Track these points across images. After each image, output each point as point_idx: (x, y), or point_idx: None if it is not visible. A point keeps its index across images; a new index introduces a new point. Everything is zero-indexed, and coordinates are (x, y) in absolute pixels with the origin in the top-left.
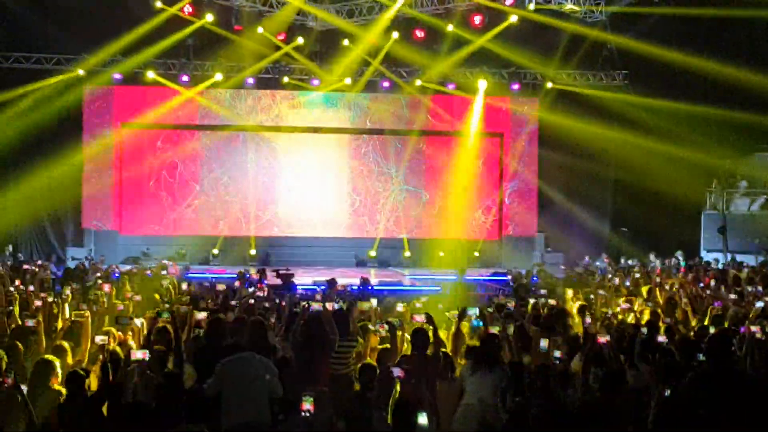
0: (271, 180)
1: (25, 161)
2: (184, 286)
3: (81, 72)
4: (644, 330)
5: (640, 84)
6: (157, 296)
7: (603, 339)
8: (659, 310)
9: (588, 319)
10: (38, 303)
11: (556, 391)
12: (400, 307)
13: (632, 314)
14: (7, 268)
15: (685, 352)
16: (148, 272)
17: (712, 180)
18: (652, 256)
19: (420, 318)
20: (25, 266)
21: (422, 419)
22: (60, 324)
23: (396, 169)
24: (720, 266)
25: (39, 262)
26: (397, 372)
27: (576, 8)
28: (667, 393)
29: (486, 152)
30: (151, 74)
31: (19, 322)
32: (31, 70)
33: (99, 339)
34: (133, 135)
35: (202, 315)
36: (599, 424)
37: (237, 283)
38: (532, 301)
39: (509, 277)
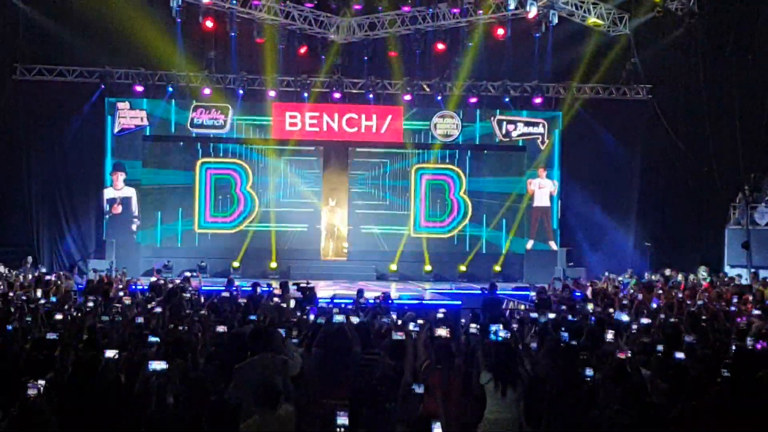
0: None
1: (47, 171)
2: (202, 299)
3: (103, 86)
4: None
5: (664, 98)
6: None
7: (623, 354)
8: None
9: (609, 335)
10: (59, 316)
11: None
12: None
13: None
14: (32, 279)
15: (708, 369)
16: (170, 285)
17: (737, 194)
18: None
19: (443, 332)
20: (48, 277)
21: (437, 431)
22: (86, 335)
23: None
24: (744, 282)
25: (61, 272)
26: (418, 389)
27: (599, 21)
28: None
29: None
30: (170, 89)
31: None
32: (53, 82)
33: (109, 353)
34: (158, 146)
35: (222, 328)
36: None
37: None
38: (552, 315)
39: (532, 293)
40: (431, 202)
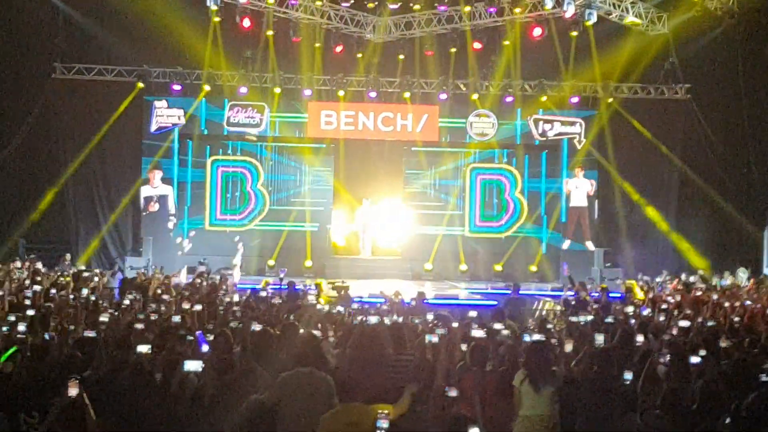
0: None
1: (84, 170)
2: (236, 297)
3: (141, 85)
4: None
5: (703, 97)
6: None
7: (661, 357)
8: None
9: (639, 338)
10: (104, 318)
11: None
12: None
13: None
14: (69, 276)
15: (745, 373)
16: (205, 282)
17: None
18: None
19: (479, 333)
20: (86, 274)
21: None
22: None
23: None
24: None
25: (98, 270)
26: (452, 392)
27: (637, 21)
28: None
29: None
30: (207, 87)
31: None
32: (92, 81)
33: (141, 348)
34: (191, 144)
35: (257, 327)
36: None
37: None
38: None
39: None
40: (486, 202)
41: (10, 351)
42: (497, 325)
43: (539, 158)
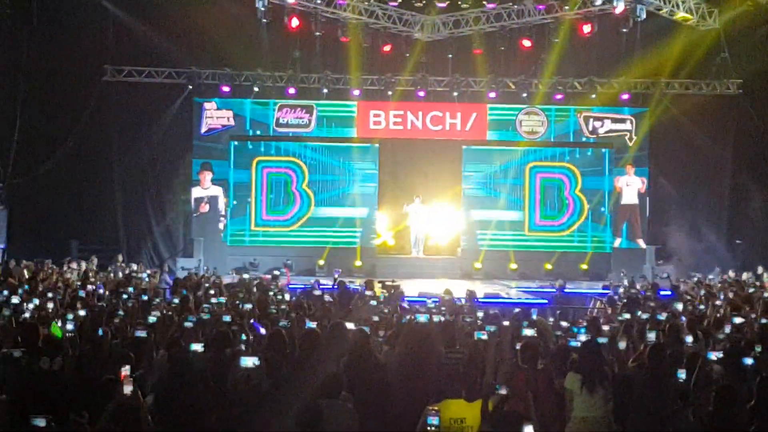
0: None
1: (135, 171)
2: (287, 296)
3: (190, 86)
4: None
5: (756, 93)
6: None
7: (713, 355)
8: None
9: (689, 337)
10: (153, 318)
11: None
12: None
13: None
14: (121, 276)
15: None
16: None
17: None
18: (760, 269)
19: (530, 332)
20: (137, 275)
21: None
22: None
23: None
24: None
25: (148, 271)
26: (503, 390)
27: (688, 16)
28: None
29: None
30: (256, 88)
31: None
32: (142, 84)
33: (196, 347)
34: (241, 145)
35: (312, 323)
36: None
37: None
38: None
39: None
40: (545, 201)
41: (56, 330)
42: (527, 331)
43: (594, 156)
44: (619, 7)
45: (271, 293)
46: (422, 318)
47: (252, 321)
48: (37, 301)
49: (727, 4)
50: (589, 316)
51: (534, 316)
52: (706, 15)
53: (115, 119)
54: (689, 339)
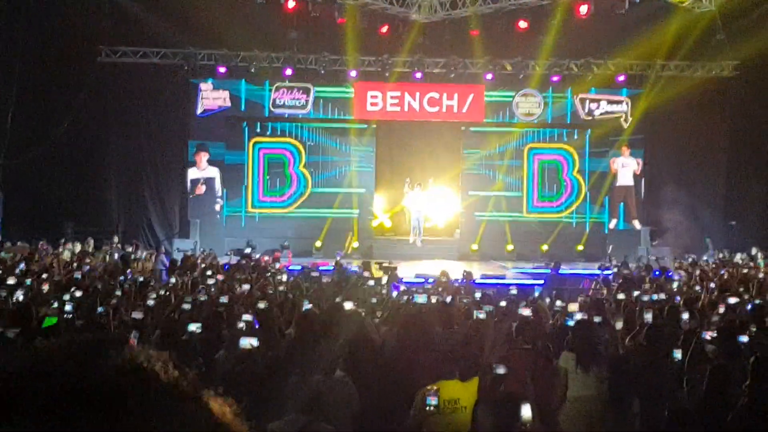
0: (372, 172)
1: (131, 152)
2: (284, 277)
3: (186, 67)
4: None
5: (751, 74)
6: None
7: (707, 335)
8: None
9: (685, 315)
10: (151, 300)
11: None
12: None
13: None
14: (117, 257)
15: None
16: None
17: None
18: (754, 250)
19: (526, 312)
20: (133, 256)
21: (526, 411)
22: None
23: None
24: None
25: (145, 252)
26: (500, 369)
27: None
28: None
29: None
30: (253, 69)
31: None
32: (137, 64)
33: (192, 327)
34: (237, 126)
35: (308, 305)
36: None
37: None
38: (636, 293)
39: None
40: (544, 182)
41: (52, 321)
42: (524, 311)
43: (590, 137)
44: None
45: (268, 274)
46: (420, 299)
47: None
48: (30, 282)
49: None
50: (590, 296)
51: (535, 294)
52: None
53: (111, 100)
54: (685, 316)
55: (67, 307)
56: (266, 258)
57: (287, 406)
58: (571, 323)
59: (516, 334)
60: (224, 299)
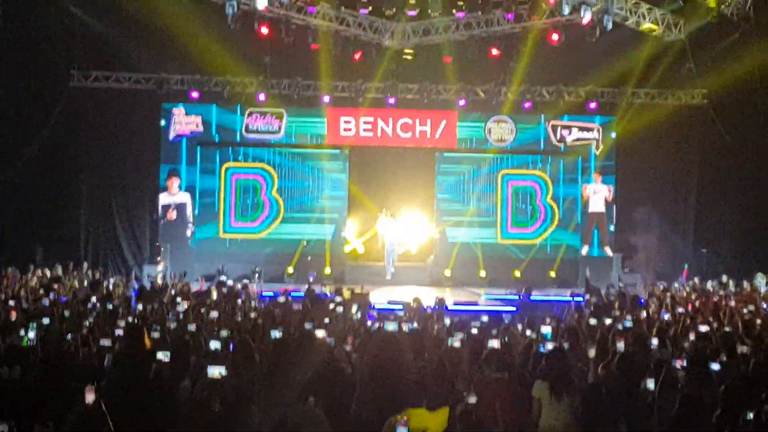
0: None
1: (102, 177)
2: (255, 304)
3: (159, 92)
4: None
5: (720, 102)
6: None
7: (678, 363)
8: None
9: (654, 341)
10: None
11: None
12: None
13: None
14: (86, 284)
15: (765, 377)
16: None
17: None
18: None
19: (495, 343)
20: (103, 282)
21: None
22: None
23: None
24: None
25: (114, 278)
26: (471, 398)
27: (654, 27)
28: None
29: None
30: (225, 94)
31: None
32: (110, 89)
33: (161, 355)
34: (209, 151)
35: (277, 333)
36: None
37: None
38: (608, 321)
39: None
40: (517, 208)
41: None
42: (493, 342)
43: (562, 164)
44: (586, 17)
45: (239, 301)
46: (390, 326)
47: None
48: None
49: (693, 15)
50: (563, 323)
51: (505, 322)
52: (671, 26)
53: (82, 124)
54: (655, 342)
55: (31, 335)
56: (238, 286)
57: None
58: (544, 350)
59: (485, 362)
60: (192, 327)
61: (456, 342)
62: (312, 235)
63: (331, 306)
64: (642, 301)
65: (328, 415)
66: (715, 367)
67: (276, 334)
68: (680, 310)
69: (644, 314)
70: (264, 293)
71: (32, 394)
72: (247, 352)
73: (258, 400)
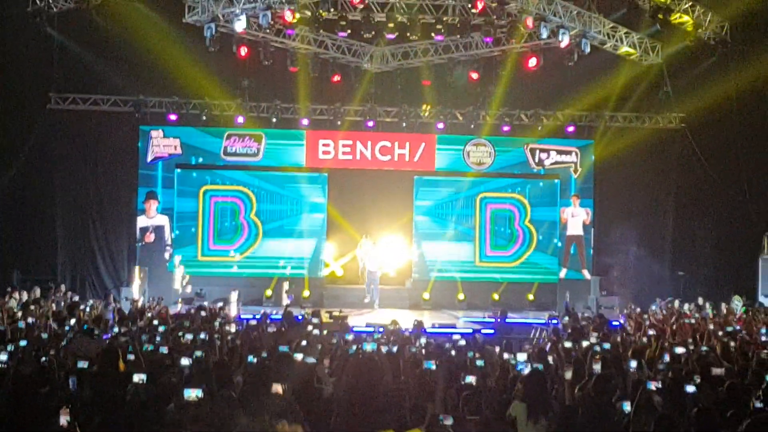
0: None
1: (79, 200)
2: (233, 328)
3: (137, 114)
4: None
5: (697, 126)
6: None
7: (653, 385)
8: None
9: (633, 363)
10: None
11: None
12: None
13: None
14: (64, 306)
15: (737, 400)
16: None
17: None
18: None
19: (472, 379)
20: (81, 306)
21: None
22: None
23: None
24: None
25: (91, 301)
26: (447, 421)
27: (632, 51)
28: None
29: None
30: (204, 117)
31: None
32: (87, 111)
33: (137, 378)
34: (187, 174)
35: (252, 358)
36: None
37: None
38: (585, 344)
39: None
40: (496, 231)
41: None
42: (469, 378)
43: (544, 188)
44: (564, 41)
45: (216, 323)
46: (369, 346)
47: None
48: None
49: (670, 39)
50: (536, 346)
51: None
52: (649, 50)
53: (60, 147)
54: (633, 364)
55: (2, 357)
56: (217, 307)
57: None
58: (523, 371)
59: (463, 405)
60: (164, 349)
61: (432, 365)
62: (290, 257)
63: (309, 328)
64: (613, 324)
65: None
66: (690, 389)
67: (251, 359)
68: (654, 332)
69: (619, 337)
70: (242, 316)
71: (4, 417)
72: (225, 374)
73: (235, 424)
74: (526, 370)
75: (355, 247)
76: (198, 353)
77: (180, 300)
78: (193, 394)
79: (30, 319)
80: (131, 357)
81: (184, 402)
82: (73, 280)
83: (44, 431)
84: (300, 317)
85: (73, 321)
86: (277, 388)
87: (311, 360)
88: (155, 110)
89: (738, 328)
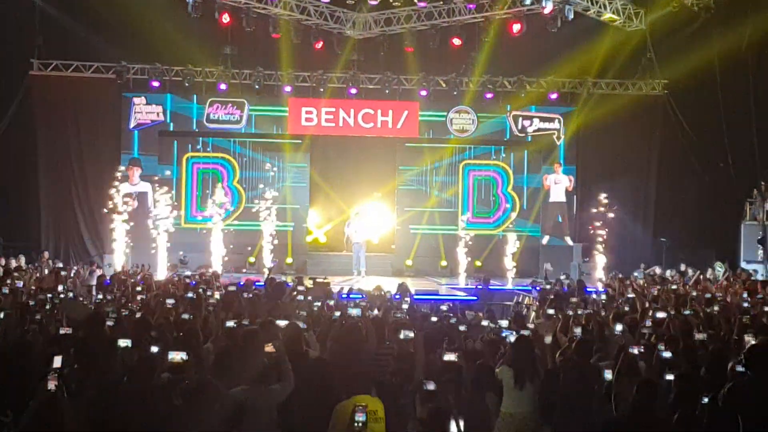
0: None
1: (62, 167)
2: (217, 294)
3: (119, 81)
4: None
5: (680, 93)
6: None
7: (635, 349)
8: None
9: (619, 327)
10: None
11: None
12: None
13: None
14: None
15: (719, 364)
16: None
17: (752, 190)
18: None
19: (452, 357)
20: (64, 272)
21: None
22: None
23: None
24: (760, 277)
25: (75, 267)
26: (430, 386)
27: (615, 17)
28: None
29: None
30: (186, 84)
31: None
32: (70, 78)
33: (122, 343)
34: (171, 142)
35: (231, 323)
36: None
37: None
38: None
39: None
40: (479, 198)
41: None
42: (448, 356)
43: (524, 154)
44: (548, 7)
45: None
46: (354, 311)
47: None
48: None
49: (653, 5)
50: (513, 311)
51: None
52: (632, 16)
53: (42, 114)
54: (619, 328)
55: None
56: (208, 273)
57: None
58: (511, 339)
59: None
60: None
61: (410, 333)
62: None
63: (291, 294)
64: (587, 290)
65: (292, 395)
66: (666, 354)
67: (230, 323)
68: (632, 296)
69: (598, 301)
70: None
71: None
72: (195, 341)
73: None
74: (511, 338)
75: (338, 214)
76: (186, 316)
77: (168, 266)
78: (178, 356)
79: (18, 283)
80: (110, 323)
81: (168, 364)
82: (56, 248)
83: (31, 398)
84: (290, 283)
85: (60, 288)
86: (269, 347)
87: (300, 324)
88: (138, 77)
89: (720, 295)
